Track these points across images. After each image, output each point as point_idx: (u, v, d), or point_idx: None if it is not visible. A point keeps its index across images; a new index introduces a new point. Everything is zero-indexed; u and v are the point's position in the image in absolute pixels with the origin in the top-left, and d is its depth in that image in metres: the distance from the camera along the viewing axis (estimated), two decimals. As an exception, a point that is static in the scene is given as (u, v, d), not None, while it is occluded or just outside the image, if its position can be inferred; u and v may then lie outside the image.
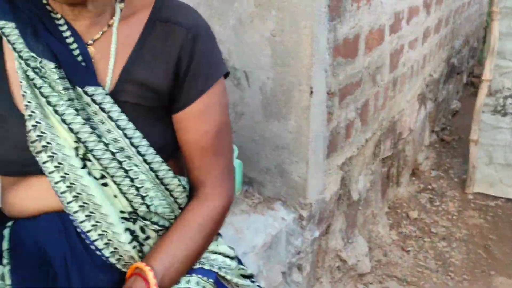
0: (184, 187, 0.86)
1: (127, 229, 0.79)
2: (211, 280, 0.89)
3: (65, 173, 0.76)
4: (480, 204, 2.54)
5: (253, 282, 1.03)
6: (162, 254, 0.80)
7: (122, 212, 0.80)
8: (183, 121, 0.84)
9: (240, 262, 1.02)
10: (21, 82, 0.76)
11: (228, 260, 0.95)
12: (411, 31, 2.20)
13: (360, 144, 1.86)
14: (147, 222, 0.82)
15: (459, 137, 3.29)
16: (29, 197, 0.81)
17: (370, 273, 1.99)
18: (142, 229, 0.82)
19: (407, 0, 2.05)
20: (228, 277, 0.92)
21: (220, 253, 0.95)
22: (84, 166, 0.77)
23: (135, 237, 0.81)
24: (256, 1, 1.32)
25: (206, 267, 0.89)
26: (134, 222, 0.81)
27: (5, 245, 0.80)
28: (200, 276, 0.87)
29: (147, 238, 0.83)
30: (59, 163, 0.76)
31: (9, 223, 0.83)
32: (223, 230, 1.33)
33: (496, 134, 2.49)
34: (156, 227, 0.83)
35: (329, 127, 1.54)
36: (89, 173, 0.77)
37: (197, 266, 0.88)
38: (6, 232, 0.81)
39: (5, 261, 0.79)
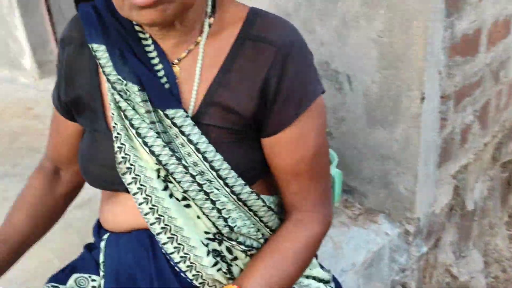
0: (269, 207, 0.81)
1: (211, 252, 0.77)
2: None
3: (147, 195, 0.75)
4: None
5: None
6: (255, 278, 0.75)
7: (206, 232, 0.77)
8: (275, 147, 0.77)
9: (337, 284, 0.95)
10: (110, 103, 0.76)
11: (322, 286, 0.88)
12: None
13: (477, 149, 1.66)
14: (233, 243, 0.78)
15: None
16: (121, 213, 0.82)
17: (485, 292, 1.80)
18: (229, 250, 0.78)
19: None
20: None
21: (314, 277, 0.89)
22: (166, 188, 0.76)
23: (222, 258, 0.78)
24: (362, 0, 1.21)
25: None
26: (220, 243, 0.78)
27: (101, 257, 0.83)
28: None
29: (235, 258, 0.79)
30: (142, 185, 0.75)
31: (105, 236, 0.85)
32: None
33: None
34: (243, 247, 0.79)
35: (442, 134, 1.38)
36: (171, 195, 0.76)
37: None
38: (102, 244, 0.84)
39: (101, 273, 0.81)
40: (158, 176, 0.75)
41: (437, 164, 1.41)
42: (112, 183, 0.79)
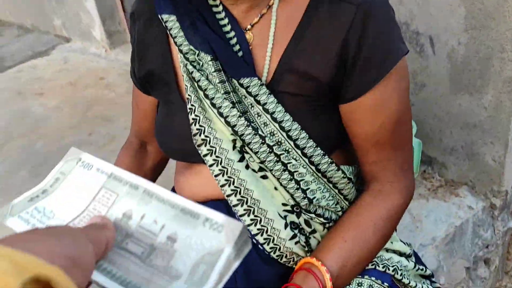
0: (349, 179, 0.77)
1: (288, 224, 0.74)
2: (386, 284, 0.79)
3: (223, 167, 0.73)
4: None
5: (433, 282, 0.91)
6: (335, 252, 0.72)
7: (284, 204, 0.74)
8: (354, 113, 0.72)
9: (417, 259, 0.90)
10: (182, 75, 0.74)
11: (404, 260, 0.84)
12: None
13: None
14: (312, 215, 0.75)
15: None
16: (197, 184, 0.81)
17: None
18: (307, 223, 0.75)
19: None
20: (405, 280, 0.82)
21: (394, 251, 0.85)
22: (242, 159, 0.73)
23: (300, 230, 0.75)
24: (450, -49, 1.10)
25: (380, 268, 0.80)
26: (298, 215, 0.75)
27: None
28: (374, 278, 0.79)
29: (313, 231, 0.76)
30: (217, 156, 0.73)
31: None
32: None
33: None
34: (321, 220, 0.75)
35: (536, 100, 1.25)
36: (247, 166, 0.73)
37: (370, 266, 0.79)
38: None
39: None
40: (234, 147, 0.73)
41: (529, 132, 1.29)
42: (189, 155, 0.78)
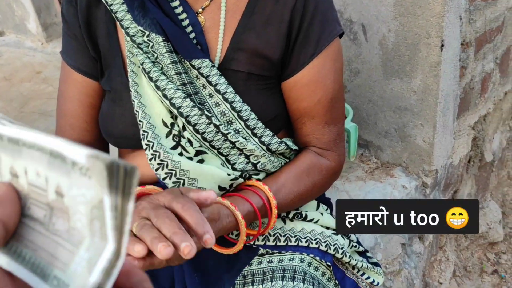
0: (292, 149, 0.82)
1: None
2: (328, 262, 0.83)
3: (155, 151, 0.74)
4: None
5: (369, 258, 0.95)
6: (271, 180, 0.78)
7: (228, 175, 0.76)
8: (293, 90, 0.77)
9: (352, 237, 0.94)
10: (128, 60, 0.73)
11: (340, 239, 0.88)
12: None
13: (497, 98, 1.61)
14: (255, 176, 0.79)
15: None
16: (141, 166, 0.80)
17: (503, 242, 1.79)
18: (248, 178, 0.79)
19: None
20: (346, 258, 0.86)
21: (331, 228, 0.89)
22: (175, 147, 0.74)
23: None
24: None
25: (323, 248, 0.84)
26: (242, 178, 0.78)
27: None
28: (317, 258, 0.82)
29: (258, 174, 0.80)
30: (149, 141, 0.74)
31: None
32: (336, 198, 1.25)
33: None
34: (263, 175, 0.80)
35: (461, 83, 1.33)
36: (181, 154, 0.74)
37: (314, 245, 0.83)
38: None
39: None
40: (168, 134, 0.74)
41: (456, 115, 1.37)
42: (132, 141, 0.77)
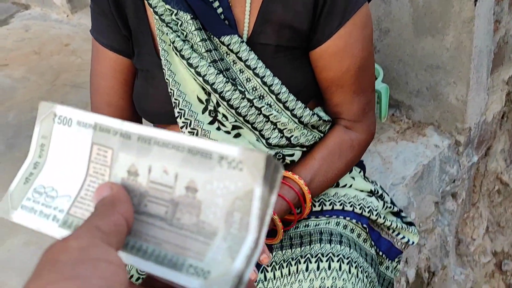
0: (327, 121, 0.83)
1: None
2: (364, 225, 0.86)
3: (193, 128, 0.76)
4: None
5: (404, 217, 0.97)
6: (305, 169, 0.80)
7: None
8: (321, 59, 0.77)
9: (384, 196, 0.96)
10: (158, 39, 0.74)
11: (375, 201, 0.89)
12: None
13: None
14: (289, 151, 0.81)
15: None
16: None
17: (537, 196, 1.77)
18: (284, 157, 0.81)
19: None
20: (380, 220, 0.88)
21: (362, 191, 0.90)
22: (213, 122, 0.76)
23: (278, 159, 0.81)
24: None
25: (358, 210, 0.86)
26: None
27: None
28: (354, 220, 0.85)
29: (292, 154, 0.81)
30: (186, 119, 0.76)
31: None
32: (368, 160, 1.26)
33: None
34: (299, 148, 0.82)
35: (495, 38, 1.29)
36: (218, 128, 0.76)
37: (349, 208, 0.85)
38: None
39: None
40: (205, 110, 0.76)
41: (490, 71, 1.34)
42: (167, 117, 0.79)
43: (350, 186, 0.89)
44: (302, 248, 0.80)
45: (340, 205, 0.86)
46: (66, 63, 2.32)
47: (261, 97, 0.75)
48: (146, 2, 0.75)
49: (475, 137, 1.41)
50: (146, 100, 0.81)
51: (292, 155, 0.81)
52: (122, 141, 0.34)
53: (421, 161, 1.29)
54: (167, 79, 0.75)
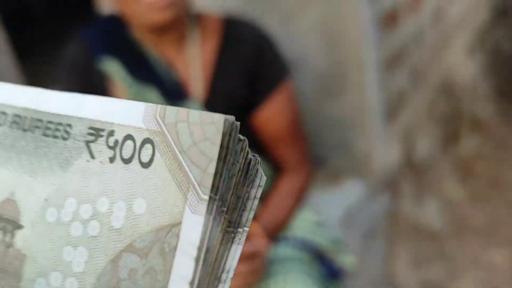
0: (268, 172, 1.01)
1: None
2: (312, 250, 1.02)
3: None
4: (546, 147, 2.51)
5: (341, 244, 1.15)
6: (264, 215, 0.96)
7: None
8: (261, 121, 0.98)
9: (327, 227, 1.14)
10: None
11: (319, 229, 1.08)
12: (449, -13, 2.19)
13: (415, 108, 1.91)
14: None
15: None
16: None
17: (443, 230, 2.05)
18: None
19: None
20: (324, 245, 1.05)
21: (314, 222, 1.08)
22: None
23: None
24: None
25: (308, 236, 1.03)
26: None
27: None
28: (301, 246, 1.01)
29: None
30: None
31: None
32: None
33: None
34: None
35: (383, 97, 1.60)
36: None
37: (300, 235, 1.01)
38: None
39: None
40: None
41: (385, 124, 1.63)
42: None
43: (299, 217, 1.07)
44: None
45: (291, 232, 1.03)
46: None
47: None
48: (115, 77, 0.91)
49: (383, 181, 1.67)
50: None
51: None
52: None
53: (344, 203, 1.50)
54: None
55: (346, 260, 1.10)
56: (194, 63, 0.95)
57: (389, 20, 1.60)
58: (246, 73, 0.95)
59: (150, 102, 0.92)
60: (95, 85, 0.95)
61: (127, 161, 0.25)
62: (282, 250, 0.98)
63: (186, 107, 0.89)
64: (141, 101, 0.91)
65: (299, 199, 1.02)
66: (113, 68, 0.92)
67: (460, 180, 2.38)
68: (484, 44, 3.01)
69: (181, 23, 0.90)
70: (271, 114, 0.97)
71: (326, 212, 1.45)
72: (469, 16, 2.61)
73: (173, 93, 0.92)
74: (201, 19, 0.96)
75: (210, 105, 0.94)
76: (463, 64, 2.53)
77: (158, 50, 0.93)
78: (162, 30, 0.90)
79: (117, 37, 0.94)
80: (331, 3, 1.38)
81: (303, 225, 1.04)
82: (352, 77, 1.45)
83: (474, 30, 2.75)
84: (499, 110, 2.96)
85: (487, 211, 2.13)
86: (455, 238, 2.02)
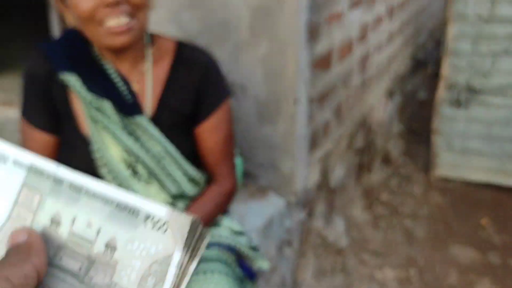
0: (203, 179, 1.17)
1: None
2: (233, 253, 1.20)
3: (121, 182, 1.06)
4: (441, 186, 2.92)
5: (258, 251, 1.35)
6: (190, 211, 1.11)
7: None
8: (201, 134, 1.15)
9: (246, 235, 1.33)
10: (87, 118, 1.04)
11: (240, 237, 1.26)
12: (377, 38, 2.54)
13: (336, 139, 2.20)
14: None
15: (424, 126, 3.66)
16: None
17: (347, 248, 2.35)
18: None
19: (372, 12, 2.38)
20: (244, 251, 1.24)
21: (235, 231, 1.27)
22: (135, 174, 1.07)
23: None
24: (251, 32, 1.63)
25: (230, 243, 1.20)
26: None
27: None
28: (226, 250, 1.19)
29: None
30: (111, 170, 1.06)
31: None
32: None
33: (453, 124, 2.86)
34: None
35: (310, 127, 1.87)
36: (139, 178, 1.08)
37: (224, 241, 1.18)
38: None
39: None
40: (128, 167, 1.07)
41: (308, 150, 1.89)
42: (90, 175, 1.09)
43: (222, 225, 1.25)
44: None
45: (216, 239, 1.21)
46: None
47: (164, 158, 1.09)
48: (73, 90, 1.03)
49: (302, 199, 1.92)
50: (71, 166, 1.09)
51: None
52: (53, 186, 0.33)
53: (265, 215, 1.73)
54: (99, 147, 1.04)
55: (262, 265, 1.30)
56: (147, 80, 1.06)
57: (323, 63, 1.87)
58: (193, 91, 1.07)
59: (106, 114, 1.10)
60: (56, 97, 1.03)
61: None
62: (206, 251, 1.17)
63: (139, 120, 1.03)
64: (98, 113, 1.06)
65: (219, 206, 1.15)
66: (71, 81, 1.00)
67: (367, 205, 2.72)
68: (402, 89, 3.42)
69: (138, 43, 1.04)
70: (210, 129, 1.10)
71: (249, 221, 1.67)
72: (391, 64, 2.99)
73: (127, 107, 1.04)
74: (156, 40, 1.10)
75: (159, 118, 1.06)
76: (382, 105, 2.89)
77: (115, 67, 1.05)
78: (120, 50, 1.00)
79: (77, 52, 1.04)
80: (275, 43, 1.62)
81: (226, 233, 1.22)
82: (286, 107, 1.69)
83: (395, 76, 3.14)
84: (408, 149, 3.37)
85: (385, 235, 2.47)
86: (356, 256, 2.32)
